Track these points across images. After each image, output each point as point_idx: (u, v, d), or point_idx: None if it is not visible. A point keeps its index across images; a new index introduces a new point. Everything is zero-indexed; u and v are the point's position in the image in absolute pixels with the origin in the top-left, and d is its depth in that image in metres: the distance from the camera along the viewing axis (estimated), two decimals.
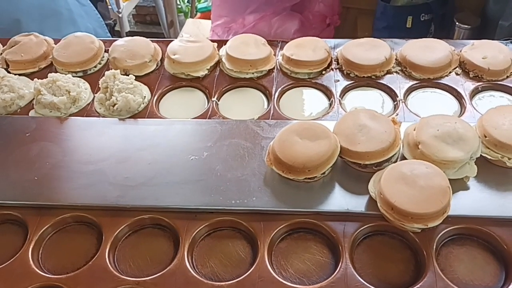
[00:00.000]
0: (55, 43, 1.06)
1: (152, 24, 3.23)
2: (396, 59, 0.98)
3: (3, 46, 1.07)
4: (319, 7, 1.65)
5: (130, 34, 1.90)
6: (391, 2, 1.51)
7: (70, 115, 0.92)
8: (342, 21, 1.65)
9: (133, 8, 3.01)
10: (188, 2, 3.45)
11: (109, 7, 1.54)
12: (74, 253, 0.73)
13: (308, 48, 0.99)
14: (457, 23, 1.42)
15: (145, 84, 0.97)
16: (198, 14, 3.15)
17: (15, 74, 0.99)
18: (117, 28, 2.38)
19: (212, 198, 0.75)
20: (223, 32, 1.76)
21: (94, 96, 0.95)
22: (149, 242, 0.74)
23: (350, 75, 0.96)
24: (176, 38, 1.10)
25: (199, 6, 3.23)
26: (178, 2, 3.17)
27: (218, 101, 0.95)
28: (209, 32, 1.95)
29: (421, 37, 1.02)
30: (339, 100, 0.92)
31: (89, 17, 1.42)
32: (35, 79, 0.94)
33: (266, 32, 1.68)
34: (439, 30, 1.51)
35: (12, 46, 1.04)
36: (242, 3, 1.76)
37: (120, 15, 2.39)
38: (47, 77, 0.95)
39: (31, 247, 0.72)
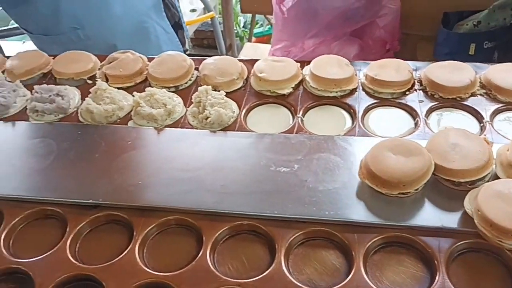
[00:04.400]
0: (148, 61, 1.15)
1: (209, 47, 3.37)
2: (480, 82, 1.00)
3: (101, 62, 1.16)
4: (380, 33, 1.67)
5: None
6: (454, 29, 1.52)
7: (165, 126, 0.99)
8: (401, 46, 1.67)
9: (192, 32, 3.15)
10: (243, 27, 3.58)
11: (186, 37, 1.65)
12: (176, 253, 0.77)
13: (391, 69, 1.02)
14: None
15: (233, 100, 1.03)
16: (254, 39, 3.26)
17: (114, 88, 1.07)
18: None
19: (306, 208, 0.78)
20: (282, 56, 1.82)
21: (187, 110, 1.02)
22: (245, 247, 0.77)
23: (435, 96, 0.98)
24: None
25: (255, 31, 3.34)
26: (235, 27, 3.29)
27: (303, 117, 0.99)
28: (266, 55, 2.01)
29: None
30: (425, 120, 0.93)
31: (171, 43, 1.53)
32: (134, 92, 1.01)
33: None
34: (503, 58, 1.49)
35: (111, 62, 1.13)
36: (303, 28, 1.81)
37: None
38: (142, 91, 1.02)
39: (137, 246, 0.77)
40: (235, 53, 2.97)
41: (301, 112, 0.99)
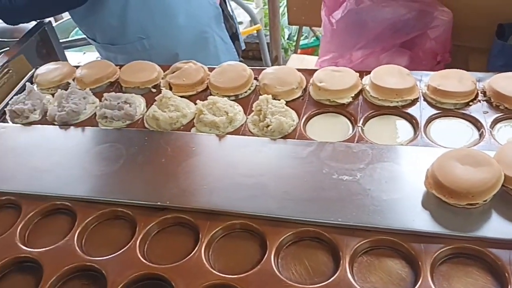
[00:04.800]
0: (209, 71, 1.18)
1: (254, 59, 3.42)
2: None
3: (164, 72, 1.21)
4: (431, 44, 1.64)
5: None
6: (509, 40, 1.48)
7: (227, 133, 1.01)
8: (452, 58, 1.64)
9: None
10: (288, 39, 3.61)
11: (240, 48, 1.70)
12: (240, 256, 0.79)
13: (454, 79, 1.01)
14: None
15: (292, 109, 1.04)
16: (299, 50, 3.29)
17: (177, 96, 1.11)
18: None
19: (370, 217, 0.78)
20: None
21: (247, 118, 1.04)
22: (309, 253, 0.78)
23: (500, 107, 0.96)
24: None
25: (300, 43, 3.37)
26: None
27: (363, 126, 0.99)
28: (312, 66, 2.01)
29: None
30: (490, 131, 0.92)
31: (229, 53, 1.58)
32: (198, 101, 1.05)
33: (374, 68, 1.73)
34: None
35: (174, 72, 1.17)
36: (351, 40, 1.81)
37: None
38: (203, 100, 1.06)
39: (203, 248, 0.80)
40: (280, 65, 3.01)
41: (361, 121, 0.99)
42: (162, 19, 1.40)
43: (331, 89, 1.04)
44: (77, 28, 2.67)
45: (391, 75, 1.04)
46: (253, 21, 3.13)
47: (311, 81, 1.09)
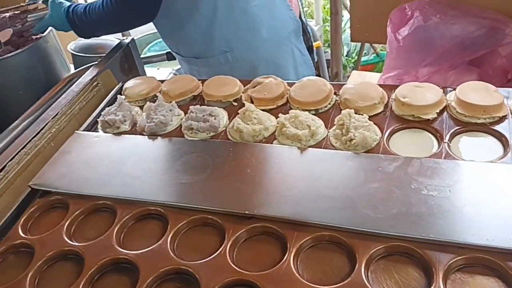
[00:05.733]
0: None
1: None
2: None
3: (244, 86, 1.25)
4: (501, 62, 1.59)
5: None
6: None
7: (308, 146, 1.03)
8: None
9: None
10: (347, 55, 3.60)
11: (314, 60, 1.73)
12: (328, 268, 0.80)
13: None
14: None
15: (374, 124, 1.05)
16: (359, 67, 3.28)
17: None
18: None
19: (464, 233, 0.77)
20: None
21: (328, 132, 1.06)
22: (400, 268, 0.77)
23: None
24: None
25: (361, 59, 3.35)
26: None
27: (450, 143, 0.97)
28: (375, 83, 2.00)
29: None
30: None
31: (306, 65, 1.61)
32: (280, 114, 1.08)
33: (440, 86, 1.69)
34: None
35: (255, 86, 1.21)
36: (418, 56, 1.78)
37: None
38: (284, 113, 1.08)
39: (291, 257, 0.81)
40: (341, 81, 3.01)
41: (447, 138, 0.98)
42: (246, 32, 1.45)
43: (416, 105, 1.03)
44: (150, 45, 2.83)
45: (477, 92, 1.02)
46: (313, 38, 3.15)
47: (393, 96, 1.09)
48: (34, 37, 1.58)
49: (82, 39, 1.78)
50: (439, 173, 0.89)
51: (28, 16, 1.53)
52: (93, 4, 1.37)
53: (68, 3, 1.42)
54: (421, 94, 1.06)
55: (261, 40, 1.48)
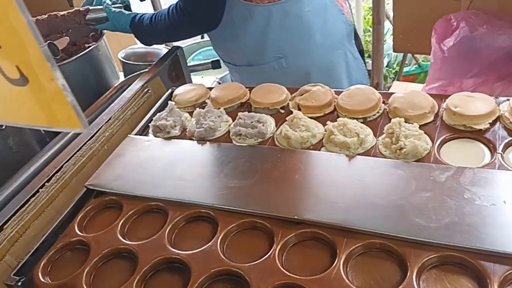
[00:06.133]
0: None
1: None
2: None
3: (291, 94, 1.27)
4: None
5: None
6: None
7: (357, 154, 1.03)
8: None
9: None
10: (387, 66, 3.57)
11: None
12: (378, 275, 0.80)
13: None
14: None
15: (424, 133, 1.04)
16: (401, 77, 3.24)
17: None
18: None
19: None
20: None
21: (377, 140, 1.06)
22: (452, 278, 0.76)
23: None
24: None
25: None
26: None
27: (503, 153, 0.96)
28: None
29: None
30: None
31: (358, 69, 1.62)
32: (328, 122, 1.09)
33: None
34: None
35: (303, 94, 1.23)
36: (463, 67, 1.75)
37: None
38: (332, 121, 1.09)
39: (341, 263, 0.81)
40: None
41: (500, 148, 0.96)
42: (299, 38, 1.47)
43: (467, 115, 1.02)
44: (194, 55, 2.89)
45: None
46: None
47: (444, 106, 1.08)
48: (86, 45, 1.65)
49: (132, 47, 1.85)
50: (493, 184, 0.87)
51: (87, 17, 1.57)
52: (159, 14, 1.43)
53: (130, 13, 1.48)
54: (473, 104, 1.04)
55: (314, 45, 1.49)
